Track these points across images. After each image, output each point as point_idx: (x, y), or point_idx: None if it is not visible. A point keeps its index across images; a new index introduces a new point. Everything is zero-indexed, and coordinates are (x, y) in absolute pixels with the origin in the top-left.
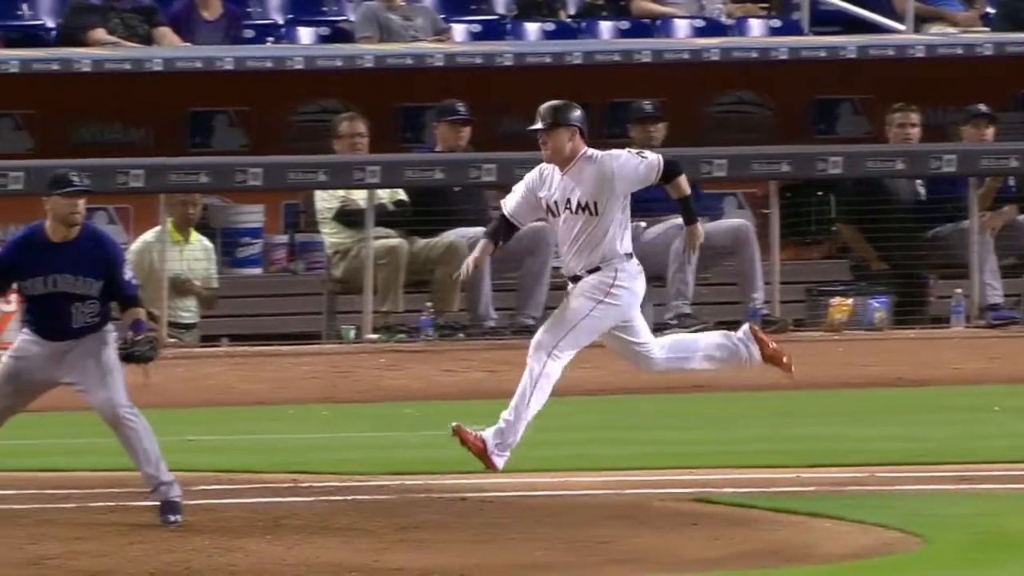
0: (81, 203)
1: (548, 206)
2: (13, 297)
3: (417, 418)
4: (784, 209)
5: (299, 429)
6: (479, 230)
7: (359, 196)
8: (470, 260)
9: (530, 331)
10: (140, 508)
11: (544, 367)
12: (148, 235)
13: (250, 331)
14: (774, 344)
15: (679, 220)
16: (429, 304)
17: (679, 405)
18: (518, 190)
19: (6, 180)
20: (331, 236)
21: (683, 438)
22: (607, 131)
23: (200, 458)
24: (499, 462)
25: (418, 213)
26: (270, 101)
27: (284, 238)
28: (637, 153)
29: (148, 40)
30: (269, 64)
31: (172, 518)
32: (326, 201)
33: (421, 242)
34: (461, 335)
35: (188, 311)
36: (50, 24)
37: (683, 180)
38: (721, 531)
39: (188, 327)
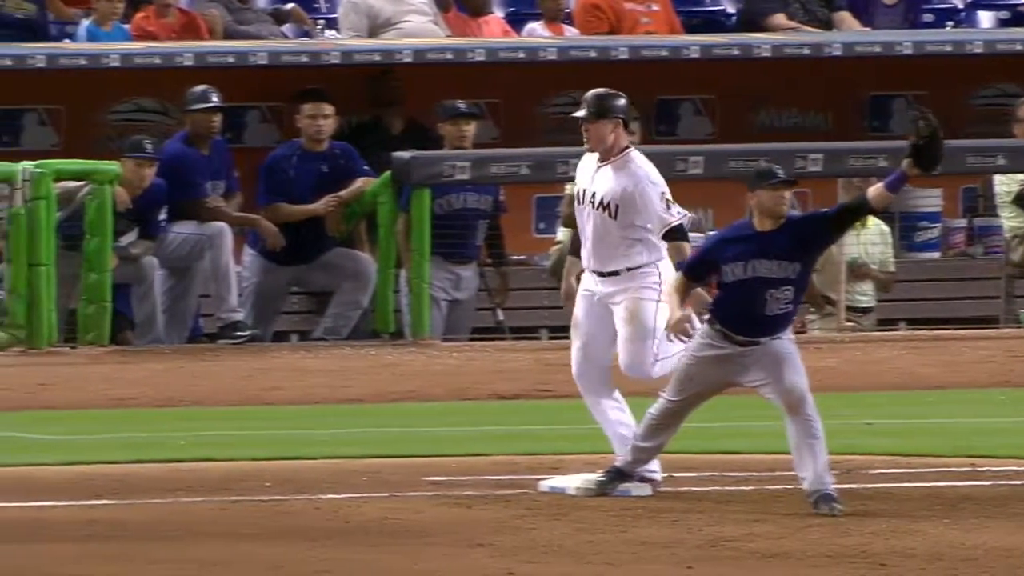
0: (787, 194)
1: (577, 193)
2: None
3: None
4: None
5: (976, 413)
6: None
7: None
8: (562, 294)
9: None
10: None
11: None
12: None
13: (927, 315)
14: None
15: None
16: None
17: None
18: None
19: (687, 165)
20: (1010, 220)
21: None
22: None
23: (879, 442)
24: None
25: None
26: (947, 85)
27: (962, 222)
28: (667, 200)
29: (828, 25)
30: (948, 48)
31: (825, 508)
32: (1005, 185)
33: None
34: None
35: (865, 295)
36: (730, 10)
37: (685, 247)
38: None
39: (865, 311)
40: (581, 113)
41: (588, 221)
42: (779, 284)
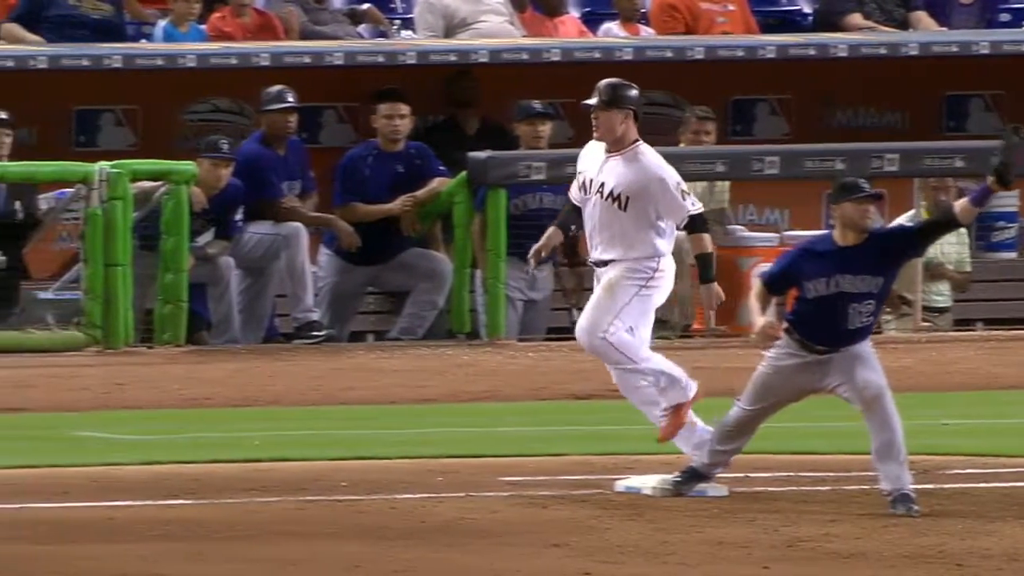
0: (872, 209)
1: (583, 182)
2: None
3: None
4: None
5: None
6: None
7: None
8: (532, 251)
9: None
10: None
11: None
12: (901, 219)
13: (1004, 315)
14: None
15: None
16: None
17: None
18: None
19: (762, 165)
20: None
21: None
22: None
23: (954, 442)
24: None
25: None
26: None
27: None
28: (682, 191)
29: (904, 24)
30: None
31: (902, 509)
32: None
33: None
34: None
35: (941, 295)
36: (807, 10)
37: (706, 238)
38: None
39: (941, 311)
40: (592, 101)
41: (594, 210)
42: (862, 299)
